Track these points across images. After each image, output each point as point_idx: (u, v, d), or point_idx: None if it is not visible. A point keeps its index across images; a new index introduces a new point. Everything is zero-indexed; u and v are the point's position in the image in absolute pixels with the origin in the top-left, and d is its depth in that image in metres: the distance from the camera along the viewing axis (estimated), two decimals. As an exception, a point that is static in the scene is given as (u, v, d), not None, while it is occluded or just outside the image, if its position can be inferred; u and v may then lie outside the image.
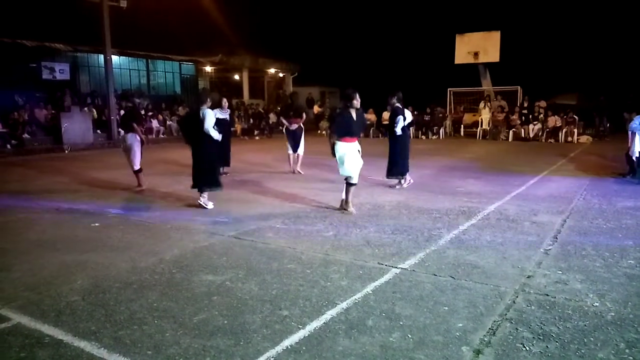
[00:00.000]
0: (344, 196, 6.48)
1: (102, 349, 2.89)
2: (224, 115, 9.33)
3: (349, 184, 6.39)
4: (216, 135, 6.58)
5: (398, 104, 8.09)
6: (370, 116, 19.82)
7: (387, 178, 8.23)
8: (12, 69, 17.63)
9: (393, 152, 8.15)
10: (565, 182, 8.68)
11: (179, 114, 19.68)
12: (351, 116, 6.28)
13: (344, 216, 6.17)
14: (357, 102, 6.31)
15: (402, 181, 8.23)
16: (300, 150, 9.94)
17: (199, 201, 6.69)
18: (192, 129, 6.70)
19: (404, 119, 8.04)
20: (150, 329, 3.13)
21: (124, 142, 8.31)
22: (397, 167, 8.13)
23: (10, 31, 16.82)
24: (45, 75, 18.56)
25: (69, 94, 18.02)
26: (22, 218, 6.32)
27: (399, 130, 7.99)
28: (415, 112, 20.80)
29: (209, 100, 6.75)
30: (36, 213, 6.58)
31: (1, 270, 4.27)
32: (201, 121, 6.49)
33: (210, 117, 6.54)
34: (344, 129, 6.28)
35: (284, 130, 10.30)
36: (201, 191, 6.73)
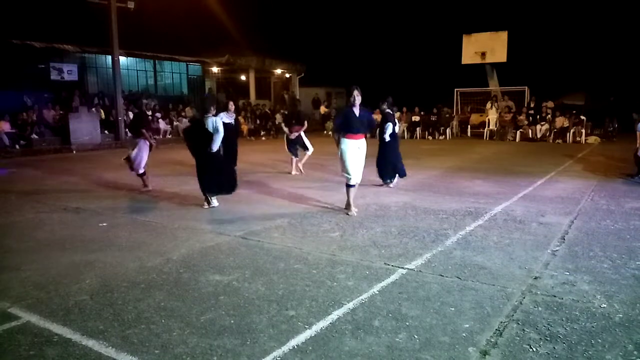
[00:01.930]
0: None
1: (110, 347, 2.91)
2: (230, 119, 9.21)
3: (347, 185, 6.35)
4: (216, 147, 6.53)
5: (388, 110, 8.28)
6: (376, 116, 19.81)
7: (383, 181, 8.35)
8: (21, 70, 17.79)
9: (382, 157, 8.25)
10: (573, 183, 8.63)
11: (185, 115, 19.76)
12: (353, 113, 6.23)
13: (350, 217, 6.17)
14: (357, 97, 6.21)
15: (389, 182, 8.35)
16: (310, 148, 9.97)
17: (205, 202, 6.73)
18: (197, 138, 6.63)
19: (394, 125, 8.22)
20: (157, 328, 3.15)
21: (133, 147, 8.30)
22: (382, 171, 8.29)
23: (19, 32, 16.98)
24: (54, 76, 18.70)
25: (78, 95, 18.14)
26: (31, 218, 6.38)
27: (387, 137, 8.07)
28: (422, 113, 20.84)
29: (213, 108, 6.67)
30: (44, 213, 6.63)
31: (10, 270, 4.31)
32: (211, 131, 6.45)
33: (222, 128, 6.52)
34: (344, 126, 6.25)
35: (284, 137, 10.29)
36: (214, 195, 6.75)
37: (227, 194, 6.86)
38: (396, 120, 8.43)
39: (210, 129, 6.49)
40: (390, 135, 8.16)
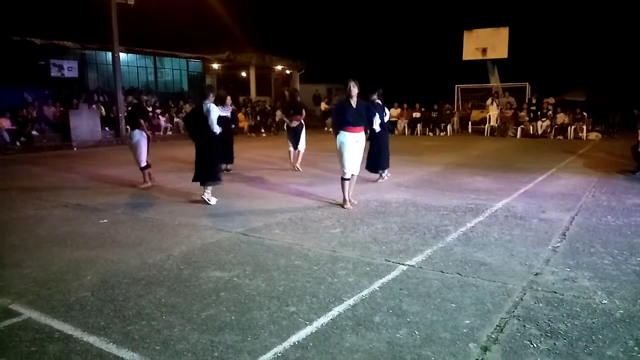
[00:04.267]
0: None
1: (111, 344, 2.92)
2: (226, 112, 9.24)
3: (342, 179, 6.40)
4: (216, 129, 6.62)
5: (378, 100, 8.25)
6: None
7: (368, 170, 8.33)
8: (21, 66, 17.79)
9: (371, 149, 8.25)
10: (574, 179, 8.62)
11: (185, 111, 19.75)
12: (350, 105, 6.23)
13: (351, 213, 6.17)
14: (352, 89, 6.22)
15: (383, 175, 8.45)
16: (301, 146, 9.95)
17: (202, 196, 6.74)
18: (195, 124, 6.77)
19: (384, 115, 8.21)
20: (158, 324, 3.16)
21: (131, 139, 8.34)
22: (373, 163, 8.31)
23: (19, 29, 16.98)
24: (54, 72, 18.70)
25: (82, 93, 18.13)
26: (32, 214, 6.38)
27: (376, 127, 8.00)
28: (423, 109, 20.83)
29: (211, 95, 6.81)
30: (45, 210, 6.64)
31: (11, 266, 4.32)
32: (205, 116, 6.54)
33: (215, 111, 6.61)
34: (341, 119, 6.26)
35: (285, 127, 10.36)
36: (204, 185, 6.77)
37: (214, 184, 6.85)
38: (386, 111, 8.46)
39: (204, 112, 6.60)
40: (380, 126, 8.11)
